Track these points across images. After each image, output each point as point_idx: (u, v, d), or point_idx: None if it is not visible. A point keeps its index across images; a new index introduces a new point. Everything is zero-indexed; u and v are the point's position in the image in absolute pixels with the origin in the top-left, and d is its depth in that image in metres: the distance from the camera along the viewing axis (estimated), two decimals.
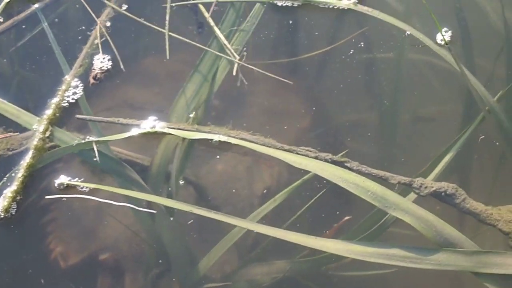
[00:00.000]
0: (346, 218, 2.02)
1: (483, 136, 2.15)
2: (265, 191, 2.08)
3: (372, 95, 2.24)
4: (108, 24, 2.24)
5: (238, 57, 2.17)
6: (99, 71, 2.13)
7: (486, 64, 2.27)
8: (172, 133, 2.00)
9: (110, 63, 2.18)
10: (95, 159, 2.02)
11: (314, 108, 2.21)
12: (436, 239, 1.90)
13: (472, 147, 2.15)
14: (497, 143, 2.14)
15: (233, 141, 1.99)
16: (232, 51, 2.18)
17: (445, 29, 2.27)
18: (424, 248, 1.89)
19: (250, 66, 2.18)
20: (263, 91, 2.22)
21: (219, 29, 2.22)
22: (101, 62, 2.15)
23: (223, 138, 2.00)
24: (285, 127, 2.17)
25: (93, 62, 2.16)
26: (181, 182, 2.05)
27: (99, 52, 2.17)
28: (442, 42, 2.21)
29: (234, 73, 2.15)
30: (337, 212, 2.05)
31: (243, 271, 2.01)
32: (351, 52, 2.28)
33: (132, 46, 2.26)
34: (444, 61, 2.19)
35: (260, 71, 2.17)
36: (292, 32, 2.32)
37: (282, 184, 2.07)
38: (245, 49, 2.26)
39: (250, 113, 2.17)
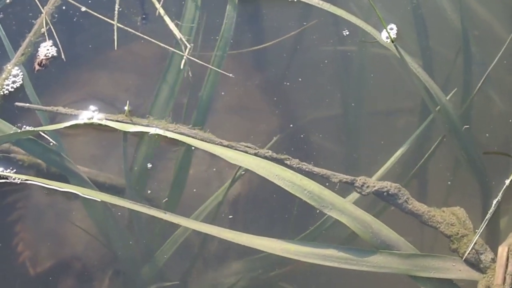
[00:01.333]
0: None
1: (467, 126, 2.12)
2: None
3: (329, 90, 2.20)
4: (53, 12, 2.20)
5: (188, 48, 2.14)
6: (44, 58, 2.11)
7: (444, 61, 2.24)
8: (109, 124, 1.98)
9: (54, 49, 2.16)
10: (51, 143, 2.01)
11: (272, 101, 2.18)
12: (373, 241, 1.89)
13: (426, 146, 2.12)
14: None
15: (170, 135, 1.97)
16: (185, 42, 2.16)
17: (390, 26, 2.22)
18: (361, 249, 1.88)
19: (196, 60, 2.15)
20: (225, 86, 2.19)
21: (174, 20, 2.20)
22: (47, 49, 2.11)
23: (159, 131, 1.98)
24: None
25: (39, 49, 2.12)
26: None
27: (45, 41, 2.12)
28: (388, 40, 2.16)
29: (181, 67, 2.12)
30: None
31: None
32: (303, 45, 2.26)
33: (79, 35, 2.25)
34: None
35: (205, 64, 2.14)
36: (245, 23, 2.29)
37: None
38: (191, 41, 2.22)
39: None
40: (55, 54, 2.15)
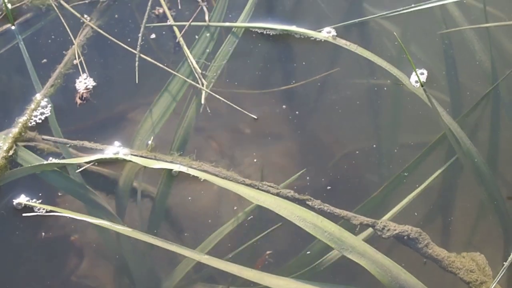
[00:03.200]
0: (268, 252, 2.00)
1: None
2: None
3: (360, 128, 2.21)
4: (84, 44, 2.23)
5: (205, 84, 2.15)
6: (84, 91, 2.13)
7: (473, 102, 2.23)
8: (134, 161, 1.99)
9: (92, 81, 2.17)
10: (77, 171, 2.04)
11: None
12: (391, 285, 1.86)
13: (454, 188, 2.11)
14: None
15: (193, 172, 1.97)
16: (201, 77, 2.17)
17: (421, 71, 2.22)
18: None
19: (216, 95, 2.16)
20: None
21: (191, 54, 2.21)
22: (84, 82, 2.13)
23: (183, 168, 1.97)
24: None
25: (76, 84, 2.15)
26: None
27: (74, 72, 2.16)
28: (417, 84, 2.16)
29: (202, 101, 2.13)
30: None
31: None
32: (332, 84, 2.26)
33: (109, 67, 2.26)
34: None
35: (227, 102, 2.15)
36: (269, 62, 2.30)
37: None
38: (214, 75, 2.24)
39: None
40: (92, 86, 2.16)
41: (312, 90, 2.23)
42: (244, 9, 2.32)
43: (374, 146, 2.16)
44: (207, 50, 2.25)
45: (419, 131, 2.18)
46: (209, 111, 2.16)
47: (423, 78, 2.22)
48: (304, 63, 2.28)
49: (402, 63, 2.25)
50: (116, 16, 2.31)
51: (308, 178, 2.09)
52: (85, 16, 2.27)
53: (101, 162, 2.03)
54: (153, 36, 2.26)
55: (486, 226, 2.06)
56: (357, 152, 2.14)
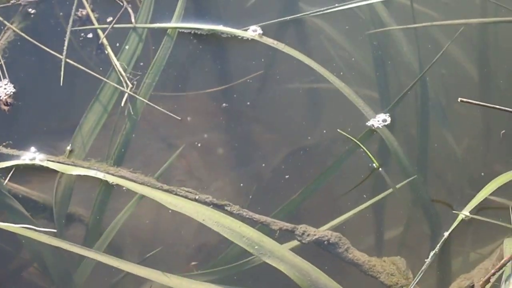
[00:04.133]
0: (193, 263, 1.98)
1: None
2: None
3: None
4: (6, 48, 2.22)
5: (130, 86, 2.14)
6: (6, 96, 2.10)
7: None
8: (51, 167, 1.97)
9: (12, 87, 2.15)
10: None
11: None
12: None
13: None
14: None
15: (110, 178, 1.95)
16: (127, 80, 2.15)
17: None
18: None
19: (139, 97, 2.13)
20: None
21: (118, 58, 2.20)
22: (4, 88, 2.11)
23: (99, 175, 1.96)
24: None
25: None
26: None
27: None
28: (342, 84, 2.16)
29: (122, 104, 2.11)
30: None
31: None
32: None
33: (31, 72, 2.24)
34: None
35: (150, 103, 2.14)
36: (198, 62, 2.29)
37: None
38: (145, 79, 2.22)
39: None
40: (14, 91, 2.15)
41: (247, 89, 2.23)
42: (176, 9, 2.31)
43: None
44: (137, 53, 2.23)
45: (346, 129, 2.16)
46: (132, 113, 2.14)
47: (353, 77, 2.23)
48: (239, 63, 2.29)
49: (333, 62, 2.25)
50: (40, 19, 2.29)
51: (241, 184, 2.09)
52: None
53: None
54: (80, 38, 2.25)
55: (416, 229, 2.08)
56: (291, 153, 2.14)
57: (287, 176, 2.08)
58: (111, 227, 1.97)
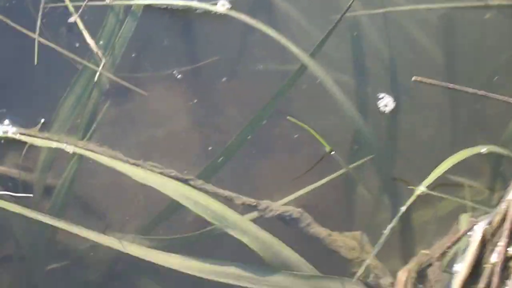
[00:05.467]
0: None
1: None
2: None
3: None
4: None
5: (102, 64, 2.17)
6: None
7: None
8: (23, 139, 2.03)
9: None
10: None
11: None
12: (273, 261, 1.93)
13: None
14: None
15: (79, 151, 2.01)
16: (101, 56, 2.18)
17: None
18: (263, 268, 1.92)
19: (109, 75, 2.18)
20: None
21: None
22: None
23: (69, 148, 2.02)
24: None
25: None
26: None
27: None
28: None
29: (95, 80, 2.15)
30: None
31: None
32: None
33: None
34: None
35: (120, 81, 2.18)
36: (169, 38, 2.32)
37: None
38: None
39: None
40: None
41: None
42: None
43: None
44: (115, 31, 2.26)
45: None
46: (102, 88, 2.19)
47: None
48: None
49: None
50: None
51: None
52: None
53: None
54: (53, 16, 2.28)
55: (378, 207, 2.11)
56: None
57: None
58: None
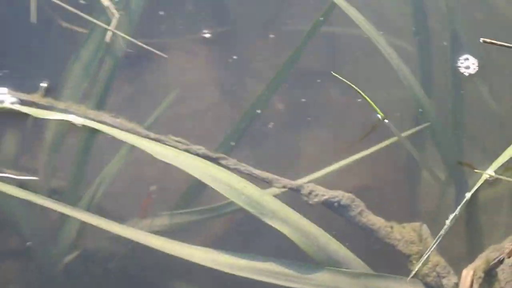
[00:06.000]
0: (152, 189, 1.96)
1: None
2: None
3: None
4: None
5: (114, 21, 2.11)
6: None
7: None
8: (22, 110, 1.92)
9: None
10: None
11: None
12: (318, 256, 1.82)
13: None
14: None
15: (90, 124, 1.89)
16: (115, 12, 2.12)
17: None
18: (304, 264, 1.81)
19: (121, 34, 2.10)
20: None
21: None
22: None
23: (79, 120, 1.90)
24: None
25: None
26: None
27: None
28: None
29: (107, 40, 2.09)
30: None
31: None
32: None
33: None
34: None
35: (133, 40, 2.12)
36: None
37: None
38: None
39: None
40: None
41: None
42: None
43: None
44: None
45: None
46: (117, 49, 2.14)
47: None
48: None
49: None
50: None
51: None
52: None
53: None
54: None
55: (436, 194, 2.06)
56: None
57: None
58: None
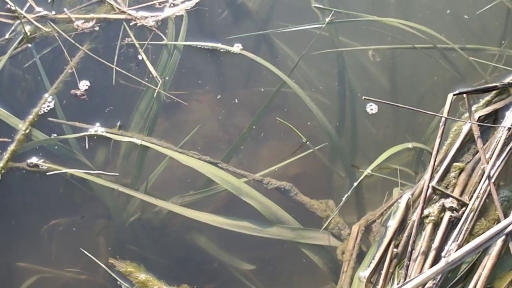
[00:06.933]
0: None
1: None
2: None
3: None
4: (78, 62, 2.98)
5: (159, 84, 2.91)
6: (81, 91, 2.96)
7: None
8: (106, 136, 2.83)
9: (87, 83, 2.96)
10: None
11: None
12: (271, 218, 2.64)
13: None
14: None
15: (143, 143, 2.79)
16: (159, 79, 2.91)
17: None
18: (264, 223, 2.64)
19: (167, 94, 2.94)
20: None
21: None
22: (83, 85, 2.97)
23: (137, 141, 2.81)
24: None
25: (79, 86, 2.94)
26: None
27: (70, 80, 2.96)
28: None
29: (154, 95, 2.89)
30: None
31: None
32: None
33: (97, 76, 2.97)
34: None
35: (175, 99, 2.91)
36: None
37: None
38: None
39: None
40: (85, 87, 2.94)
41: None
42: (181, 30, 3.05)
43: None
44: (169, 63, 3.03)
45: None
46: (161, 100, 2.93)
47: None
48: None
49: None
50: (101, 43, 3.09)
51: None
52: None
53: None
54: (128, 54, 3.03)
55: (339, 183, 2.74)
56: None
57: None
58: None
